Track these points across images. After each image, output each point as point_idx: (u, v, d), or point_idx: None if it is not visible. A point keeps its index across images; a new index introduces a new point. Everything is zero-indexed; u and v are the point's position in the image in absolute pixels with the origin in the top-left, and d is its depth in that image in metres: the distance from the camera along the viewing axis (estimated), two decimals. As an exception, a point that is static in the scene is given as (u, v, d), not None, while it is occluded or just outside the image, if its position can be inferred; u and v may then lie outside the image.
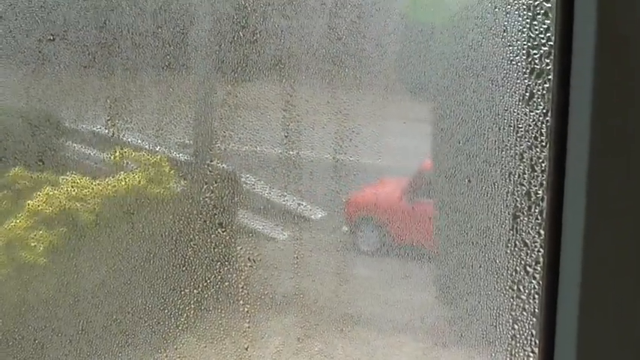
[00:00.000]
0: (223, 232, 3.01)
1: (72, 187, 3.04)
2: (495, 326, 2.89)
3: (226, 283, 3.08)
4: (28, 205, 3.05)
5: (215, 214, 3.00)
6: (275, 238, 3.13)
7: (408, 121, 3.05)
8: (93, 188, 3.03)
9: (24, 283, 3.08)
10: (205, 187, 3.02)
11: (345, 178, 3.06)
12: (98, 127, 3.04)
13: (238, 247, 3.12)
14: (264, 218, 3.13)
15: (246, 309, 3.12)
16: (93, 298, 3.09)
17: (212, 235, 3.01)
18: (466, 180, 2.89)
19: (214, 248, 3.03)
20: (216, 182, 3.04)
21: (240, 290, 3.11)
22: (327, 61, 2.96)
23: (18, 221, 3.06)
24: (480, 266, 2.95)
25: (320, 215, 3.14)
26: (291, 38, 2.92)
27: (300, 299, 3.17)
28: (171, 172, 3.12)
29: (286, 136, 3.00)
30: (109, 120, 2.94)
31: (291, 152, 3.03)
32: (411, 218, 3.09)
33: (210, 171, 3.06)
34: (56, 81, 2.99)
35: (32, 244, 3.03)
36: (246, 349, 3.07)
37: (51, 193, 3.03)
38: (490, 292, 2.94)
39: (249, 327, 3.11)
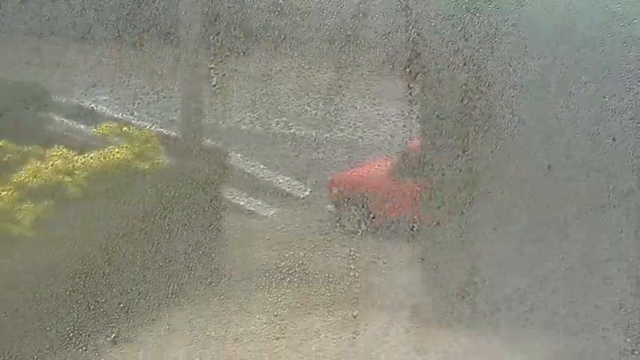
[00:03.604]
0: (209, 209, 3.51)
1: (60, 160, 3.47)
2: (636, 295, 3.57)
3: (209, 260, 3.61)
4: (15, 178, 3.48)
5: (202, 190, 3.49)
6: (261, 214, 3.64)
7: (396, 100, 3.58)
8: (81, 162, 3.48)
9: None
10: (192, 163, 3.51)
11: (332, 156, 3.60)
12: (86, 101, 3.49)
13: (224, 224, 3.64)
14: (251, 195, 3.63)
15: (227, 285, 3.67)
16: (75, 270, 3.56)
17: (198, 212, 3.49)
18: (610, 139, 3.48)
19: (201, 224, 3.51)
20: (203, 158, 3.52)
21: (224, 266, 3.66)
22: (320, 38, 3.50)
23: (4, 194, 3.50)
24: (621, 231, 3.61)
25: (306, 193, 3.69)
26: (283, 15, 3.47)
27: (284, 276, 3.68)
28: (160, 147, 3.56)
29: (273, 114, 3.54)
30: (96, 94, 3.43)
31: (278, 129, 3.54)
32: (398, 196, 3.66)
33: (197, 147, 3.54)
34: (47, 54, 3.47)
35: (18, 217, 3.47)
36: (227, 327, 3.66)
37: (38, 166, 3.46)
38: (631, 259, 3.59)
39: (229, 303, 3.67)
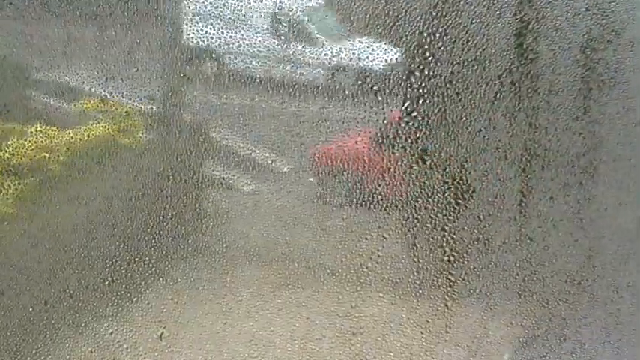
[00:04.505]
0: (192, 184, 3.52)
1: (40, 137, 3.53)
2: None
3: (196, 235, 3.58)
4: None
5: (183, 166, 3.48)
6: (243, 190, 3.60)
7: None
8: (62, 139, 3.54)
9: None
10: (173, 138, 3.51)
11: (313, 129, 3.48)
12: (66, 76, 3.50)
13: (206, 199, 3.62)
14: (232, 170, 3.57)
15: (215, 261, 3.59)
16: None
17: (181, 187, 3.51)
18: None
19: (183, 200, 3.53)
20: (184, 134, 3.52)
21: (210, 242, 3.58)
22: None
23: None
24: None
25: (288, 167, 3.59)
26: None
27: (269, 251, 3.60)
28: (140, 123, 3.60)
29: (253, 87, 3.43)
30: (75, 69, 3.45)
31: (258, 103, 3.47)
32: (380, 169, 3.50)
33: (178, 122, 3.54)
34: (22, 28, 3.47)
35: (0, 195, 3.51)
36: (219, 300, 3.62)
37: (19, 143, 3.50)
38: None
39: (220, 278, 3.60)
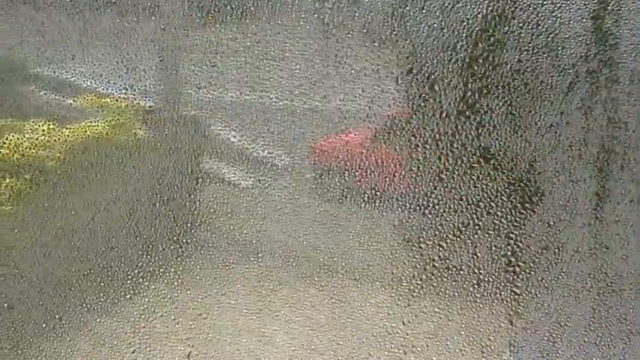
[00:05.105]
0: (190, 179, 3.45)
1: (37, 134, 3.49)
2: None
3: (195, 231, 3.48)
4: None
5: (181, 162, 3.41)
6: (240, 184, 3.52)
7: (377, 67, 3.28)
8: (59, 135, 3.50)
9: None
10: (171, 133, 3.45)
11: (312, 124, 3.40)
12: (63, 72, 3.45)
13: (205, 195, 3.52)
14: (230, 165, 3.51)
15: (249, 271, 3.51)
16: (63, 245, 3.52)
17: (179, 183, 3.44)
18: None
19: (182, 195, 3.46)
20: (181, 129, 3.45)
21: (246, 251, 3.50)
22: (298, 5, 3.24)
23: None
24: None
25: (285, 162, 3.52)
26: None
27: (309, 261, 3.50)
28: (138, 118, 3.56)
29: (252, 82, 3.35)
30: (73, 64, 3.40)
31: (256, 98, 3.39)
32: (378, 165, 3.40)
33: (175, 118, 3.47)
34: (19, 23, 3.41)
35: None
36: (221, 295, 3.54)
37: (15, 140, 3.47)
38: None
39: (255, 291, 3.52)
